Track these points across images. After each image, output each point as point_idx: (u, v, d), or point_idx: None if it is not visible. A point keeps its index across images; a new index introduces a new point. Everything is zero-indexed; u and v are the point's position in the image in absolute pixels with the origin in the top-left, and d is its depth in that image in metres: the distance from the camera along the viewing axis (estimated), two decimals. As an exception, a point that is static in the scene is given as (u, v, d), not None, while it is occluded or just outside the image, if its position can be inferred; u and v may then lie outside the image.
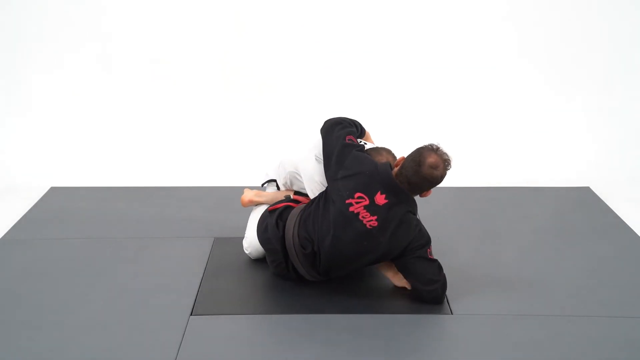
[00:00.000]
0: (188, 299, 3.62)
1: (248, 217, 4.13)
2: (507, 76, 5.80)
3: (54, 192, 5.10)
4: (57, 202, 4.92)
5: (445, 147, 3.56)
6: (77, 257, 4.09)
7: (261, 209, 4.04)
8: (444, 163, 3.51)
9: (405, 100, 5.84)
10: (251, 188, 4.33)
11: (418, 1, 5.77)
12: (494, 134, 5.74)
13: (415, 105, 5.82)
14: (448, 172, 3.53)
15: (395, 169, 3.57)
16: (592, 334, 3.34)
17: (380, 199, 3.50)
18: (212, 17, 5.74)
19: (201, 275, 3.86)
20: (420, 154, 3.51)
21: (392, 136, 5.68)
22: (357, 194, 3.51)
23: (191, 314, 3.49)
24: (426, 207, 4.76)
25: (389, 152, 3.91)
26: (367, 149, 3.84)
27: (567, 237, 4.37)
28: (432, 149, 3.52)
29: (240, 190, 4.31)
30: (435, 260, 3.59)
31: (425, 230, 3.61)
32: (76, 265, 3.99)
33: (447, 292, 3.65)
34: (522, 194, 5.08)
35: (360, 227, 3.49)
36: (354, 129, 3.85)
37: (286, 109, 5.81)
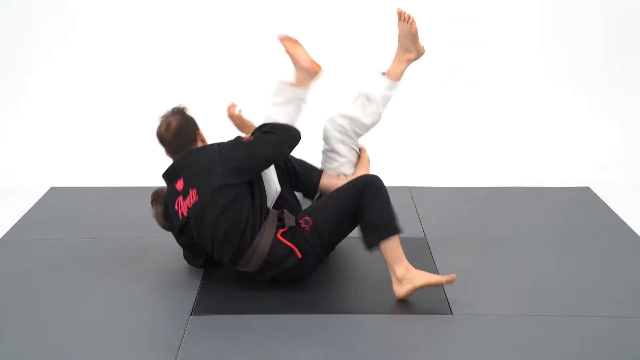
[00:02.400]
0: (188, 299, 3.62)
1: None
2: (507, 76, 5.80)
3: (54, 192, 5.10)
4: (57, 202, 4.92)
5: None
6: (77, 257, 4.09)
7: None
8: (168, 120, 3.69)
9: (406, 100, 5.83)
10: None
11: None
12: (495, 134, 5.74)
13: (416, 105, 5.82)
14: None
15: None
16: (592, 334, 3.34)
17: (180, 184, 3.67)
18: (213, 16, 5.74)
19: (201, 275, 3.86)
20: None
21: (392, 136, 5.70)
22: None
23: (191, 314, 3.49)
24: (426, 207, 4.77)
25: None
26: None
27: (567, 237, 4.37)
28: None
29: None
30: (257, 138, 3.68)
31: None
32: (76, 265, 3.99)
33: (447, 292, 3.66)
34: (522, 194, 5.08)
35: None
36: None
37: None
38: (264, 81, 5.77)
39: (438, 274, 3.87)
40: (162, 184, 5.29)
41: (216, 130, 5.71)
